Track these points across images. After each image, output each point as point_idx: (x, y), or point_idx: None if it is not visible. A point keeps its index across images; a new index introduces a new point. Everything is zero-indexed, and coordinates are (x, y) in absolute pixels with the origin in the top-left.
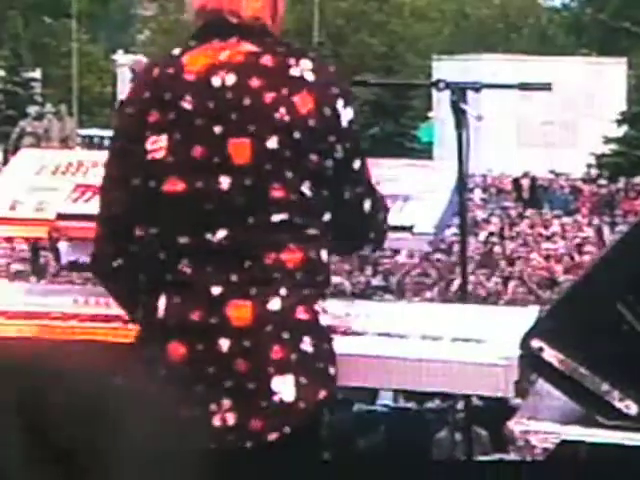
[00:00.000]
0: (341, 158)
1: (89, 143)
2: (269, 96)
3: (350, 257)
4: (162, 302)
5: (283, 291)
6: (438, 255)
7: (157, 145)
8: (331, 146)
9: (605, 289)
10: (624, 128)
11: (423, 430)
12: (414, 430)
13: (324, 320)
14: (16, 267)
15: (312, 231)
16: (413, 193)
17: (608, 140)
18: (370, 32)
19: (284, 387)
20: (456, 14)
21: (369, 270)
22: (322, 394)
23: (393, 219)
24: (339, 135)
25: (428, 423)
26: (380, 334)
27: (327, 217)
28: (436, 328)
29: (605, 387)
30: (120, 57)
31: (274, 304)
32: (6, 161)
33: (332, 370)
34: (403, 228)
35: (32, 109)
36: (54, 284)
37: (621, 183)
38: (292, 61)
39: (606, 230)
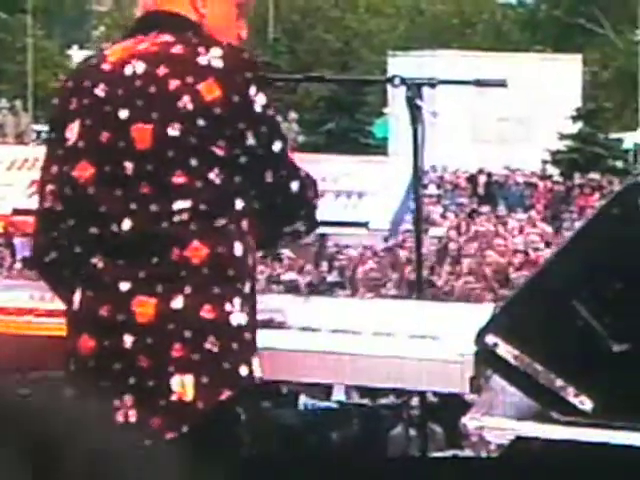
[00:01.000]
0: (255, 144)
1: (44, 139)
2: (174, 84)
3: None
4: (77, 296)
5: (187, 289)
6: (393, 251)
7: (72, 132)
8: (241, 133)
9: (560, 285)
10: (579, 124)
11: (377, 426)
12: (368, 426)
13: (237, 318)
14: None
15: (221, 221)
16: (368, 189)
17: (563, 136)
18: (325, 28)
19: (183, 386)
20: (411, 10)
21: (324, 266)
22: (226, 394)
23: (348, 215)
24: (251, 121)
25: (382, 419)
26: (335, 330)
27: (240, 205)
28: (391, 324)
29: (560, 383)
30: (75, 53)
31: (177, 302)
32: None
33: (243, 370)
34: (358, 224)
35: None
36: (9, 279)
37: (576, 179)
38: (201, 50)
39: (561, 226)
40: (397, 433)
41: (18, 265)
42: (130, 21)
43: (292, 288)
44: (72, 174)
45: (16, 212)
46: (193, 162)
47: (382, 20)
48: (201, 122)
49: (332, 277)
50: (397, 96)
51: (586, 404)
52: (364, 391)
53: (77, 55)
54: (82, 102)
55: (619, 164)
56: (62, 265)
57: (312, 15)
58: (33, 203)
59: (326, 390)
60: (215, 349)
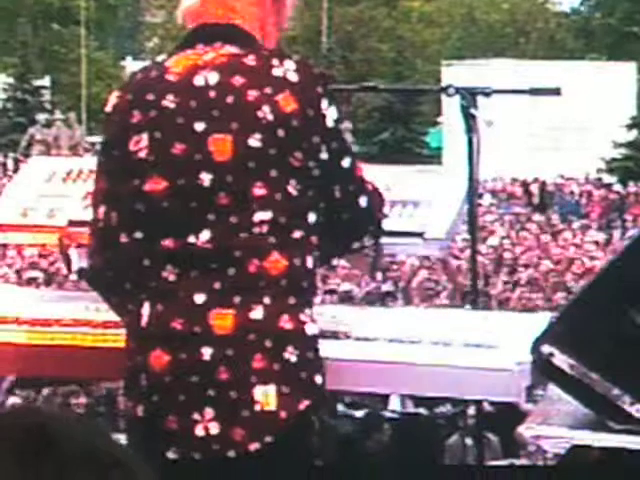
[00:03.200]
0: (327, 158)
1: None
2: (252, 94)
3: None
4: (146, 310)
5: (267, 299)
6: (448, 261)
7: (139, 145)
8: (317, 146)
9: (616, 294)
10: (634, 132)
11: (434, 435)
12: (425, 435)
13: (311, 328)
14: (28, 274)
15: (297, 234)
16: (423, 199)
17: (618, 144)
18: (379, 38)
19: (266, 396)
20: (465, 19)
21: (379, 276)
22: (305, 403)
23: (403, 225)
24: (324, 135)
25: (439, 428)
26: (391, 340)
27: (312, 218)
28: (447, 334)
29: (616, 391)
30: (129, 64)
31: (257, 313)
32: (17, 169)
33: (318, 379)
34: (414, 234)
35: (41, 116)
36: (65, 291)
37: (631, 187)
38: (275, 61)
39: (616, 234)
40: (454, 442)
41: (73, 277)
42: (183, 32)
43: (347, 298)
44: (143, 188)
45: (72, 223)
46: (273, 173)
47: (436, 29)
48: (281, 133)
49: (386, 287)
50: (451, 105)
51: None
52: (420, 400)
53: (131, 66)
54: (148, 115)
55: None
56: (124, 280)
57: (366, 25)
58: (88, 215)
59: (383, 400)
60: (293, 359)
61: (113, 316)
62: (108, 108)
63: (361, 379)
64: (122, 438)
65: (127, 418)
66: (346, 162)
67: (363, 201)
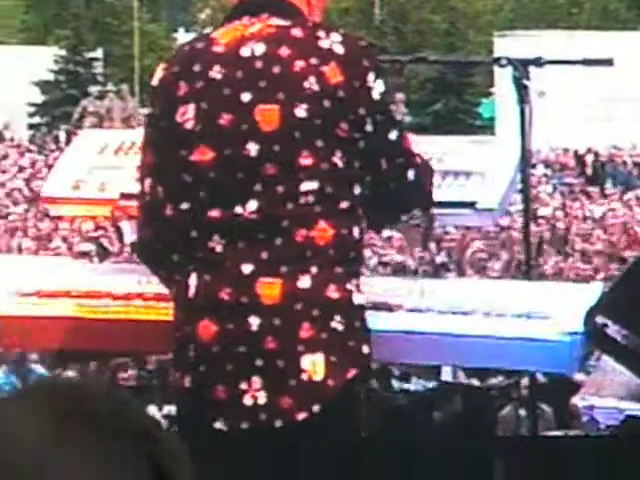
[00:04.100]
0: (372, 131)
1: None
2: (298, 65)
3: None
4: (193, 280)
5: (314, 269)
6: (501, 232)
7: (186, 116)
8: (362, 118)
9: None
10: None
11: (487, 407)
12: (479, 407)
13: (358, 298)
14: (80, 247)
15: (344, 204)
16: (475, 169)
17: None
18: (431, 9)
19: (313, 365)
20: None
21: (433, 247)
22: (352, 372)
23: (456, 195)
24: (370, 108)
25: (492, 400)
26: (443, 311)
27: (358, 190)
28: (500, 305)
29: None
30: (181, 36)
31: (304, 282)
32: (69, 141)
33: (365, 348)
34: (466, 204)
35: (94, 89)
36: (118, 263)
37: None
38: (322, 33)
39: None
40: (507, 413)
41: (126, 249)
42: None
43: (400, 270)
44: (190, 159)
45: (123, 196)
46: (319, 143)
47: (488, 1)
48: (326, 103)
49: (440, 258)
50: (504, 76)
51: None
52: (472, 372)
53: (183, 38)
54: (194, 86)
55: None
56: (172, 252)
57: None
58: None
59: (435, 370)
60: (341, 328)
61: (164, 289)
62: (154, 81)
63: (413, 351)
64: (173, 410)
65: (175, 389)
66: (393, 135)
67: (411, 174)
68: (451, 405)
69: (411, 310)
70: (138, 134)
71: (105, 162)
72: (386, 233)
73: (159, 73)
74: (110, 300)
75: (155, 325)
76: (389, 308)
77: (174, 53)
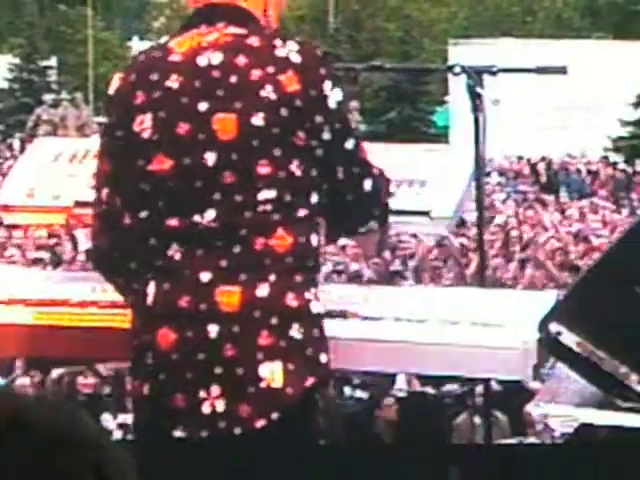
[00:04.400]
0: (330, 139)
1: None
2: (255, 74)
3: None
4: (151, 288)
5: (272, 277)
6: (455, 239)
7: (143, 125)
8: (319, 127)
9: (623, 272)
10: None
11: (442, 414)
12: (433, 414)
13: (316, 306)
14: (34, 255)
15: (302, 212)
16: (430, 178)
17: (624, 123)
18: (386, 17)
19: (272, 373)
20: None
21: (388, 255)
22: (310, 380)
23: (410, 204)
24: (327, 116)
25: (447, 407)
26: (398, 319)
27: (315, 198)
28: (455, 313)
29: (623, 370)
30: (136, 44)
31: (263, 290)
32: (23, 149)
33: (323, 357)
34: (421, 213)
35: (48, 97)
36: (72, 271)
37: (638, 166)
38: (278, 42)
39: (623, 213)
40: (462, 421)
41: (80, 257)
42: (190, 11)
43: (355, 278)
44: (148, 168)
45: (78, 204)
46: (276, 152)
47: (443, 9)
48: (284, 112)
49: (394, 266)
50: (458, 84)
51: None
52: (427, 380)
53: (137, 46)
54: (152, 95)
55: None
56: (130, 260)
57: (372, 4)
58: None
59: (390, 379)
60: (299, 336)
61: (119, 297)
62: (111, 91)
63: (368, 358)
64: (129, 418)
65: (133, 397)
66: (349, 144)
67: (367, 184)
68: (406, 413)
69: (366, 318)
70: (92, 142)
71: (59, 170)
72: (341, 241)
73: (115, 82)
74: (66, 308)
75: (110, 332)
76: (344, 316)
77: (130, 62)
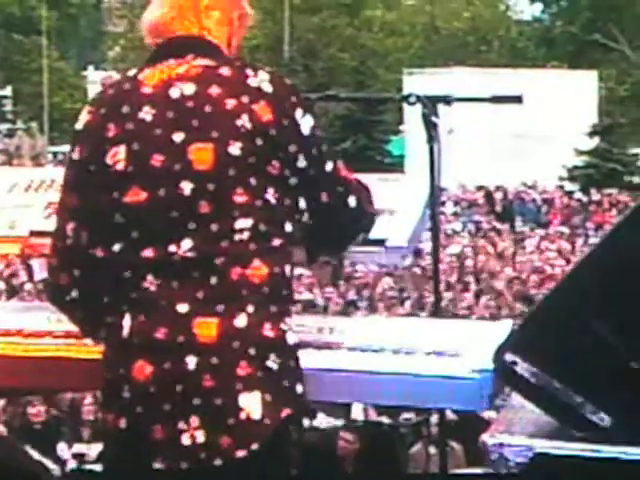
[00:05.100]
0: (306, 166)
1: (61, 160)
2: (230, 103)
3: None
4: (127, 321)
5: (250, 307)
6: (411, 269)
7: (117, 157)
8: (293, 155)
9: (578, 302)
10: (596, 140)
11: (398, 444)
12: (389, 444)
13: (292, 337)
14: None
15: (276, 242)
16: (385, 207)
17: (580, 152)
18: (341, 47)
19: (251, 404)
20: (426, 28)
21: (342, 285)
22: (286, 411)
23: None
24: (301, 144)
25: (402, 437)
26: (353, 349)
27: (289, 227)
28: (410, 342)
29: (578, 399)
30: (91, 73)
31: (241, 321)
32: None
33: (299, 388)
34: (376, 242)
35: (3, 126)
36: (27, 301)
37: (593, 195)
38: (250, 72)
39: (579, 243)
40: (417, 450)
41: (36, 287)
42: (144, 41)
43: (310, 307)
44: (123, 200)
45: (33, 234)
46: (252, 181)
47: (397, 38)
48: (259, 141)
49: (349, 296)
50: (413, 114)
51: (605, 421)
52: (383, 409)
53: (92, 76)
54: (124, 127)
55: (636, 180)
56: (101, 294)
57: (327, 34)
58: (50, 225)
59: (344, 408)
60: (275, 367)
61: (74, 327)
62: (79, 126)
63: (323, 388)
64: (84, 448)
65: (108, 431)
66: (329, 166)
67: (352, 201)
68: (361, 442)
69: (321, 347)
70: (48, 172)
71: (14, 200)
72: (296, 271)
73: (84, 116)
74: (20, 338)
75: (65, 362)
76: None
77: (97, 96)
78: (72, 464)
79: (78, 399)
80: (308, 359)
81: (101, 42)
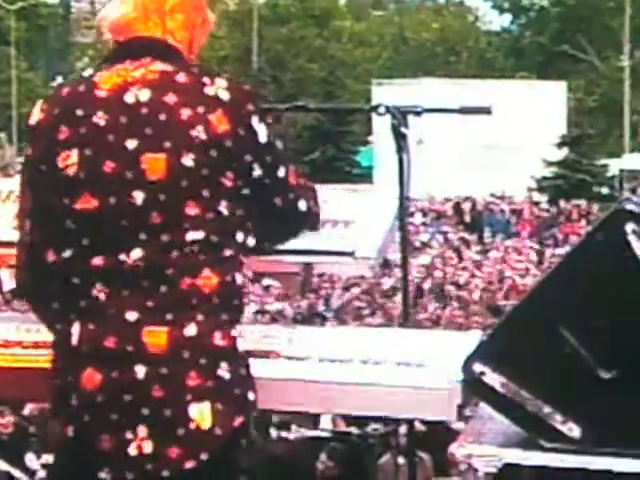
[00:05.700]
0: (261, 174)
1: (20, 169)
2: (185, 113)
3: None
4: (76, 329)
5: (200, 316)
6: (379, 280)
7: (69, 161)
8: (249, 164)
9: (546, 312)
10: (564, 151)
11: (366, 455)
12: (357, 455)
13: (241, 345)
14: None
15: (227, 252)
16: (354, 218)
17: (548, 163)
18: (309, 57)
19: (201, 414)
20: (395, 39)
21: (311, 295)
22: (238, 420)
23: (334, 244)
24: (257, 153)
25: (371, 447)
26: (322, 359)
27: (240, 237)
28: (378, 352)
29: (547, 410)
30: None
31: (190, 330)
32: None
33: (250, 396)
34: (344, 253)
35: None
36: None
37: (562, 206)
38: (207, 80)
39: (547, 253)
40: (386, 461)
41: (4, 297)
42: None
43: (278, 317)
44: (74, 206)
45: (1, 244)
46: (205, 193)
47: (366, 49)
48: (213, 153)
49: (318, 306)
50: (382, 124)
51: (574, 431)
52: (351, 420)
53: None
54: (77, 131)
55: (605, 190)
56: (52, 300)
57: (296, 45)
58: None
59: (313, 419)
60: (227, 375)
61: (44, 337)
62: (32, 121)
63: (292, 398)
64: (52, 459)
65: (56, 439)
66: (281, 172)
67: (302, 205)
68: (330, 453)
69: (289, 358)
70: (16, 182)
71: None
72: (265, 282)
73: (37, 114)
74: None
75: (34, 372)
76: (267, 355)
77: (53, 94)
78: (41, 474)
79: (47, 409)
80: (277, 369)
81: (69, 53)
